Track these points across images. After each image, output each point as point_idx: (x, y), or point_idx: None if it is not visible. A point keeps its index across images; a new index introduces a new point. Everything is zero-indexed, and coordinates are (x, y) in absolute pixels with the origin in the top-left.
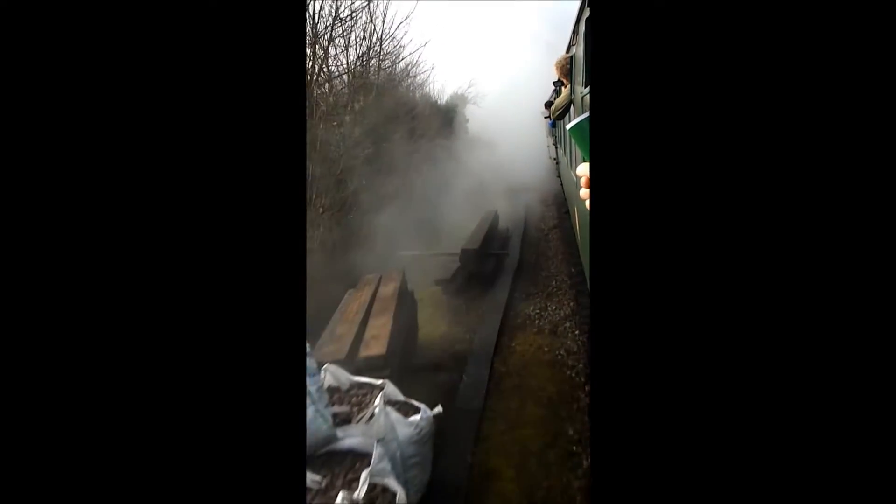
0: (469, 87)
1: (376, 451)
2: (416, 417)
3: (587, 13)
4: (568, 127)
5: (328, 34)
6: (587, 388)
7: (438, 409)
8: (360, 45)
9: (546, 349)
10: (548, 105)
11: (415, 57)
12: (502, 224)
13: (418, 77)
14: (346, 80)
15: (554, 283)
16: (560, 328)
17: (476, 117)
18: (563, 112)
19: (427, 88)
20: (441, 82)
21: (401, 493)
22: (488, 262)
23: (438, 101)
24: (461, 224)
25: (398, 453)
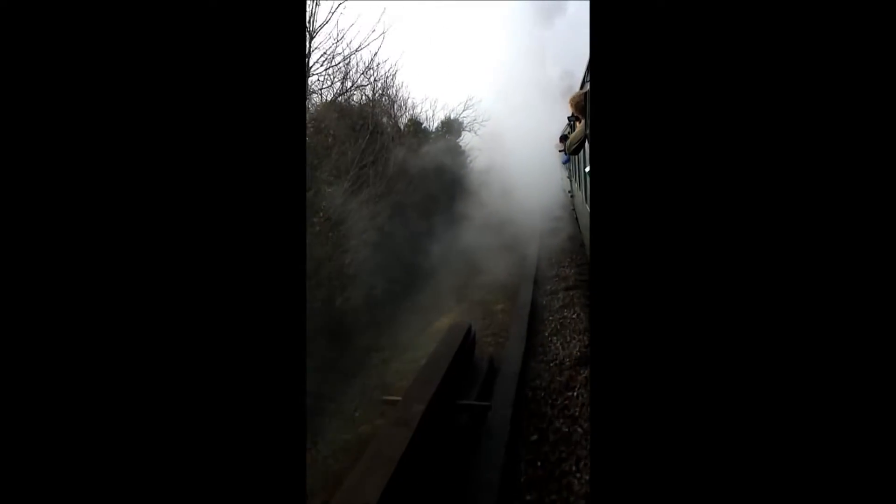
0: (465, 111)
1: None
2: None
3: None
4: (587, 170)
5: None
6: None
7: None
8: None
9: None
10: (562, 139)
11: (373, 63)
12: (484, 346)
13: (387, 94)
14: None
15: None
16: None
17: (479, 149)
18: (578, 147)
19: (403, 111)
20: (429, 103)
21: None
22: None
23: (427, 127)
24: (397, 361)
25: None
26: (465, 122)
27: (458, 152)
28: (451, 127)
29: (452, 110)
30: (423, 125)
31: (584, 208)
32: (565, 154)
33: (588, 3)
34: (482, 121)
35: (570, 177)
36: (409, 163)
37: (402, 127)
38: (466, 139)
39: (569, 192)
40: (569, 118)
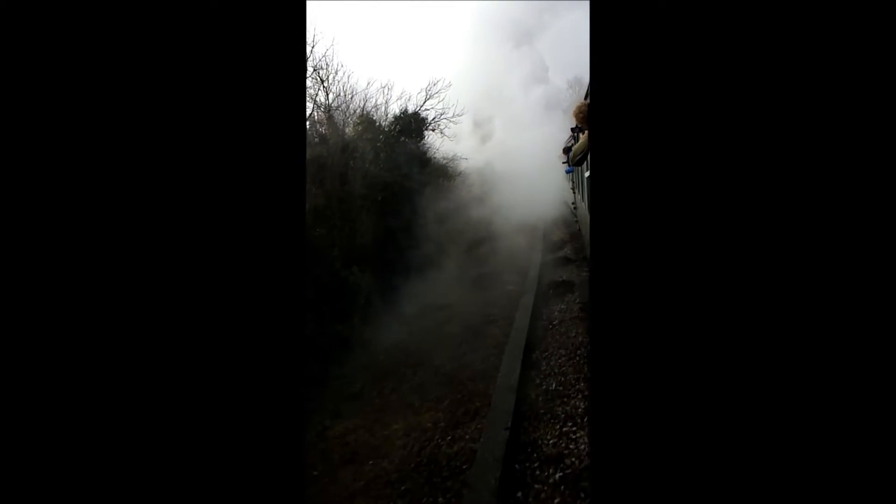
0: (426, 101)
1: None
2: None
3: None
4: (587, 174)
5: None
6: None
7: None
8: None
9: None
10: (566, 151)
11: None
12: None
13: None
14: None
15: None
16: None
17: (464, 157)
18: (582, 158)
19: (346, 101)
20: (382, 91)
21: None
22: None
23: (381, 125)
24: None
25: None
26: (428, 116)
27: (416, 161)
28: (407, 125)
29: (409, 98)
30: (378, 123)
31: (587, 219)
32: (569, 165)
33: (588, 6)
34: (452, 116)
35: (573, 188)
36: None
37: (340, 126)
38: (434, 143)
39: (572, 203)
40: (572, 129)
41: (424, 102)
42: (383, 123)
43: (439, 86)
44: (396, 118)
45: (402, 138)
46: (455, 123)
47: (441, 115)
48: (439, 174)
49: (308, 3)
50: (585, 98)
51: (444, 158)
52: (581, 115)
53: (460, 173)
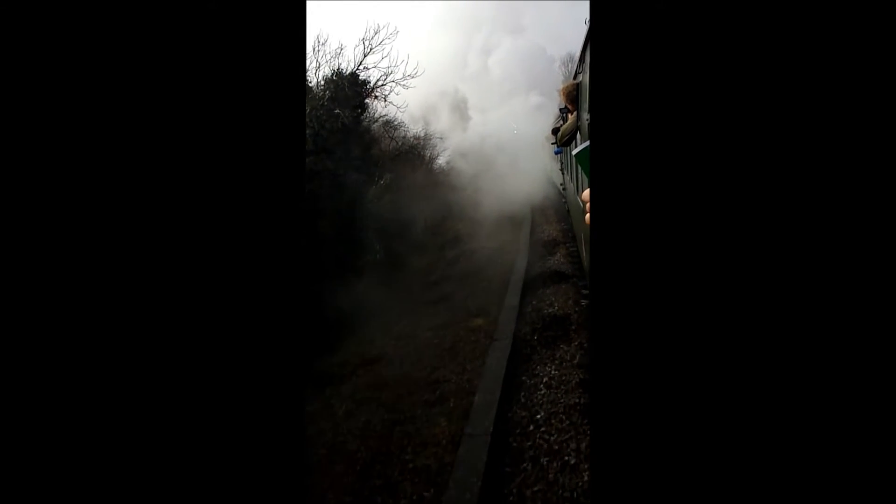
0: (367, 55)
1: None
2: None
3: None
4: (574, 152)
5: None
6: None
7: None
8: None
9: None
10: (554, 132)
11: None
12: None
13: None
14: None
15: None
16: None
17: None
18: (570, 138)
19: None
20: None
21: None
22: None
23: (319, 92)
24: None
25: None
26: (370, 77)
27: (357, 141)
28: (340, 91)
29: (340, 51)
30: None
31: (576, 200)
32: (557, 147)
33: None
34: (402, 78)
35: (561, 169)
36: None
37: None
38: (377, 111)
39: (560, 184)
40: (560, 109)
41: (364, 59)
42: (315, 91)
43: (382, 35)
44: (328, 82)
45: (336, 110)
46: (406, 88)
47: (386, 76)
48: (407, 157)
49: (308, 3)
50: (575, 77)
51: (415, 138)
52: (568, 94)
53: (438, 156)
